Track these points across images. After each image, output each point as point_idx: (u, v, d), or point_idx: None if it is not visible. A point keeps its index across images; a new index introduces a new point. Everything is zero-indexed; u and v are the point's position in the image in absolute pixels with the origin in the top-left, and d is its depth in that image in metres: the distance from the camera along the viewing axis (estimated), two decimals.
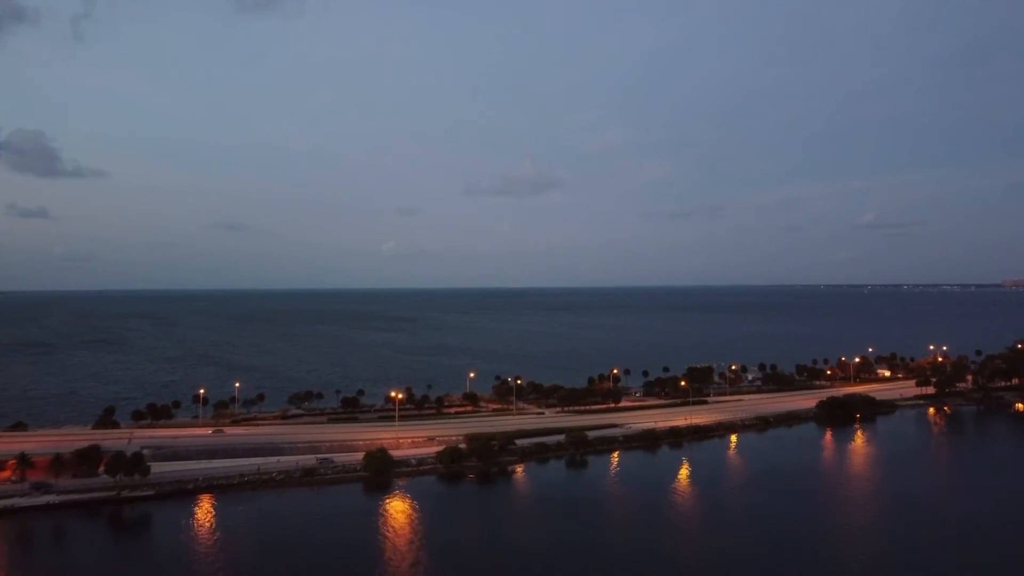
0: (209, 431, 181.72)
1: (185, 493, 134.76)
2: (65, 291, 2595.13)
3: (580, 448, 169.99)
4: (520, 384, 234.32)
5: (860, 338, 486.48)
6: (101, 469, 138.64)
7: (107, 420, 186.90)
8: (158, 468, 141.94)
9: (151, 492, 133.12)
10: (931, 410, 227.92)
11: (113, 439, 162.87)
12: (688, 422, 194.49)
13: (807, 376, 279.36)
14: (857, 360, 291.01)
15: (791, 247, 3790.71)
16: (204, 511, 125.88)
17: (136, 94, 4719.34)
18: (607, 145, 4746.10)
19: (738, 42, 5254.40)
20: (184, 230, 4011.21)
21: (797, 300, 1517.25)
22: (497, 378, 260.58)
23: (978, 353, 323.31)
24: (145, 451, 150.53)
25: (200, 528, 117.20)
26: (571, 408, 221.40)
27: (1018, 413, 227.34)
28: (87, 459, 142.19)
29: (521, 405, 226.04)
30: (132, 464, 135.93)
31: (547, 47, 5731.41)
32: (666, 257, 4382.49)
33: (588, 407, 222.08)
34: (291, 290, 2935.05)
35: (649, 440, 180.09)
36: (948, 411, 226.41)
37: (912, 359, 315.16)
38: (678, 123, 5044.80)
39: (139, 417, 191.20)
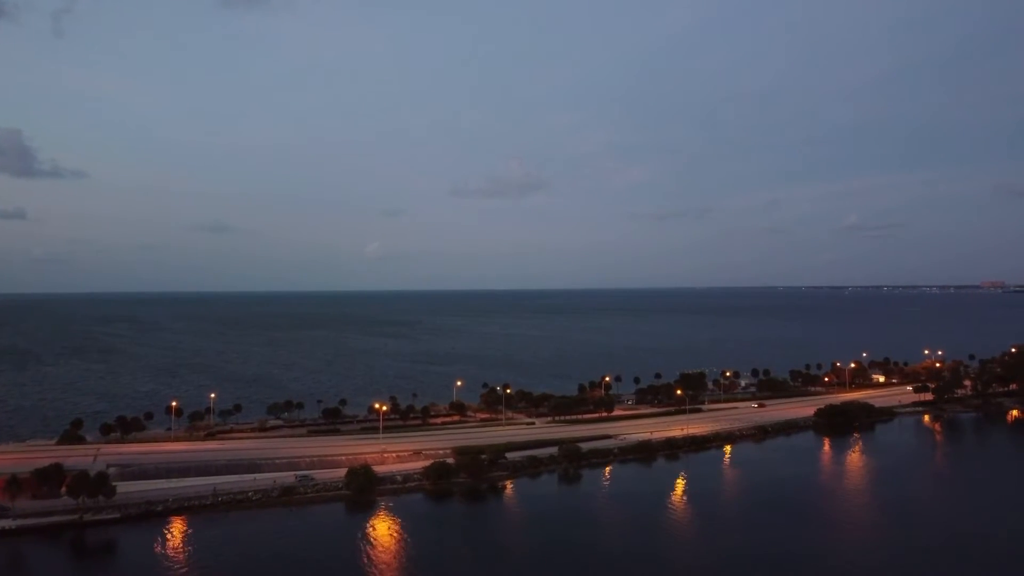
0: (183, 445, 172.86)
1: (154, 515, 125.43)
2: (44, 294, 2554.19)
3: (573, 462, 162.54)
4: (509, 393, 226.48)
5: (850, 341, 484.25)
6: (63, 490, 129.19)
7: (73, 435, 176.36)
8: (125, 488, 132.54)
9: (116, 515, 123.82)
10: (929, 417, 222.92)
11: (78, 456, 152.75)
12: (684, 432, 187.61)
13: (802, 382, 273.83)
14: (852, 365, 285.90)
15: (775, 249, 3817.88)
16: (174, 535, 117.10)
17: (117, 92, 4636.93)
18: (592, 147, 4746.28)
19: (722, 45, 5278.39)
20: (166, 231, 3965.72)
21: (781, 302, 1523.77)
22: (485, 386, 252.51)
23: (971, 357, 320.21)
24: (112, 469, 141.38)
25: (169, 554, 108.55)
26: (562, 418, 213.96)
27: (1018, 420, 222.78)
28: (48, 479, 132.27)
29: (510, 414, 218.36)
30: (96, 484, 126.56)
31: (531, 48, 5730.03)
32: (652, 259, 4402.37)
33: (580, 416, 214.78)
34: (273, 292, 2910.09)
35: (645, 452, 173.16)
36: (947, 418, 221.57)
37: (905, 363, 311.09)
38: (662, 125, 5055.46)
39: (108, 431, 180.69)
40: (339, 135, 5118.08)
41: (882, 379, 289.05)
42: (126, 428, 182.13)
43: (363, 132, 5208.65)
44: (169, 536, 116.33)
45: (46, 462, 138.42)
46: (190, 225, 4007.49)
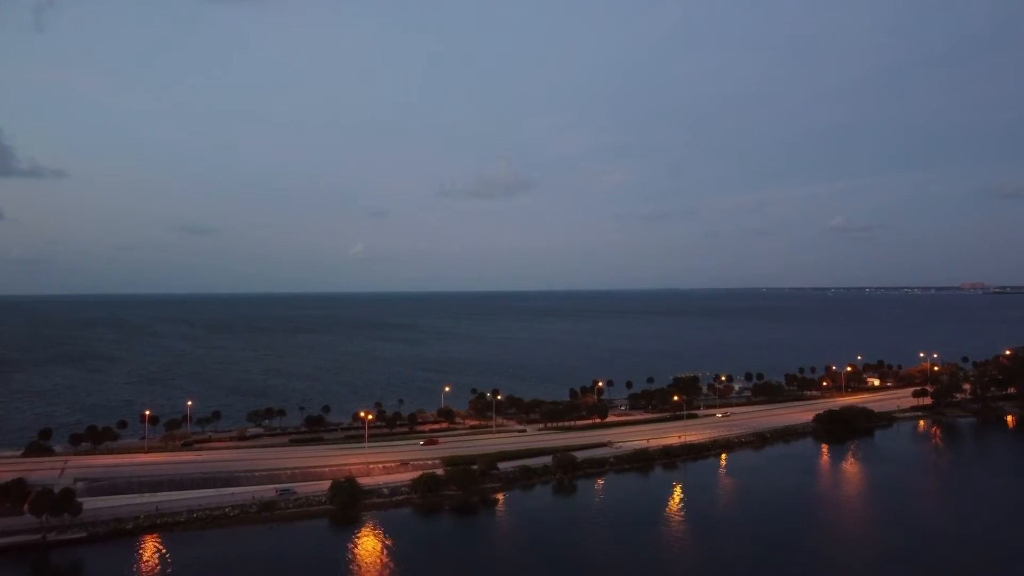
0: (157, 457, 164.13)
1: (123, 534, 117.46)
2: (21, 295, 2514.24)
3: (568, 472, 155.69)
4: (499, 399, 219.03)
5: (841, 343, 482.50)
6: (26, 507, 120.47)
7: (40, 446, 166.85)
8: (93, 504, 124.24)
9: (83, 534, 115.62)
10: (929, 423, 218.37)
11: (44, 469, 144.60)
12: (682, 440, 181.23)
13: (797, 386, 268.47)
14: (848, 369, 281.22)
15: (760, 250, 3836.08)
16: (146, 555, 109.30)
17: (99, 89, 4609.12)
18: (578, 148, 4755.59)
19: (709, 47, 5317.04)
20: (147, 233, 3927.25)
21: (766, 303, 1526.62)
22: (474, 391, 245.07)
23: (965, 360, 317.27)
24: (79, 484, 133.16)
25: None
26: (555, 425, 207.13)
27: (1018, 425, 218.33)
28: (9, 495, 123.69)
29: (501, 421, 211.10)
30: (60, 501, 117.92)
31: (518, 49, 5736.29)
32: (637, 260, 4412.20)
33: (573, 423, 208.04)
34: (257, 294, 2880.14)
35: (642, 461, 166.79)
36: (946, 423, 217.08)
37: (899, 366, 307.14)
38: (648, 127, 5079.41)
39: (77, 441, 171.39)
40: (324, 135, 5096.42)
41: (877, 383, 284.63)
42: (97, 438, 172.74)
43: (349, 132, 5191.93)
44: (140, 556, 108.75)
45: (9, 476, 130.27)
46: (172, 226, 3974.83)
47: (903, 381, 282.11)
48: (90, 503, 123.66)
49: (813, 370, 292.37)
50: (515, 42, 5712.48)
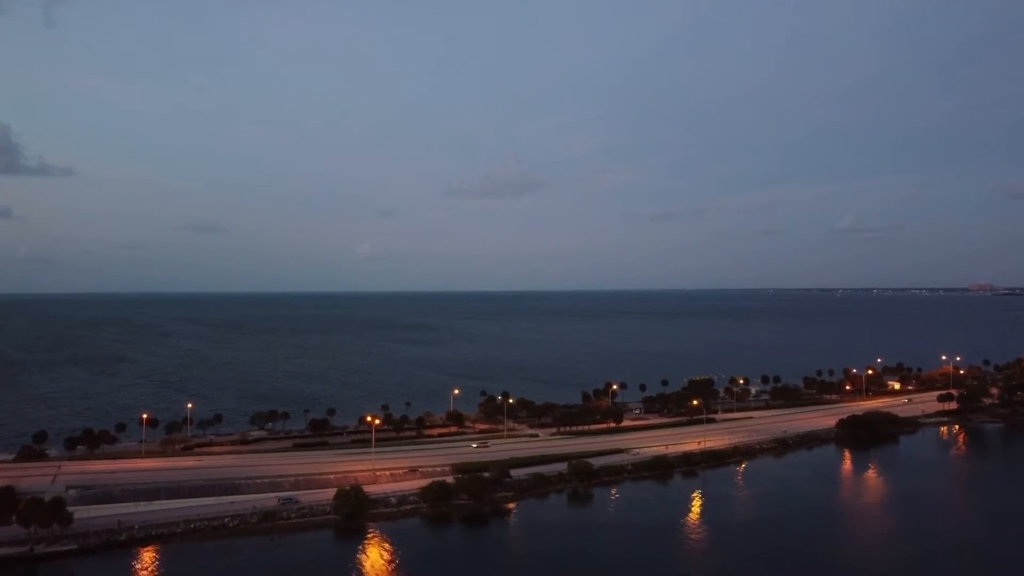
0: (154, 462, 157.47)
1: (116, 546, 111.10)
2: (29, 294, 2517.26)
3: (584, 480, 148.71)
4: (510, 402, 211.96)
5: (856, 345, 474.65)
6: (14, 517, 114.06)
7: (33, 451, 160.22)
8: (85, 513, 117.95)
9: (73, 546, 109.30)
10: (956, 428, 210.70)
11: (36, 475, 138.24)
12: (702, 446, 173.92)
13: (816, 390, 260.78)
14: (869, 372, 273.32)
15: (767, 251, 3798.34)
16: (139, 569, 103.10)
17: (107, 88, 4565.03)
18: (584, 148, 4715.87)
19: (714, 46, 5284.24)
20: (154, 231, 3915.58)
21: (774, 304, 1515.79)
22: (483, 394, 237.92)
23: (986, 363, 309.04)
24: (71, 492, 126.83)
25: None
26: (568, 429, 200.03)
27: None
28: None
29: (512, 425, 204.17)
30: (50, 511, 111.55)
31: (524, 48, 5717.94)
32: (643, 261, 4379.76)
33: (587, 428, 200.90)
34: (263, 293, 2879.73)
35: (660, 468, 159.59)
36: (973, 429, 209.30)
37: (920, 369, 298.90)
38: (655, 126, 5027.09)
39: (73, 445, 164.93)
40: (331, 134, 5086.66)
41: (898, 386, 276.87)
42: (94, 442, 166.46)
43: (355, 131, 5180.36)
44: (133, 570, 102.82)
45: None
46: (179, 224, 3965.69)
47: (925, 385, 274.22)
48: (82, 512, 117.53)
49: (831, 373, 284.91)
50: (520, 42, 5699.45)
